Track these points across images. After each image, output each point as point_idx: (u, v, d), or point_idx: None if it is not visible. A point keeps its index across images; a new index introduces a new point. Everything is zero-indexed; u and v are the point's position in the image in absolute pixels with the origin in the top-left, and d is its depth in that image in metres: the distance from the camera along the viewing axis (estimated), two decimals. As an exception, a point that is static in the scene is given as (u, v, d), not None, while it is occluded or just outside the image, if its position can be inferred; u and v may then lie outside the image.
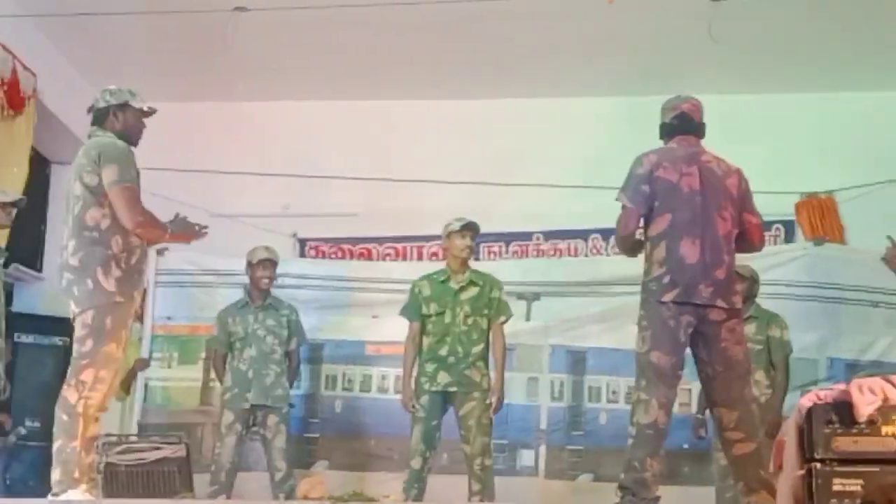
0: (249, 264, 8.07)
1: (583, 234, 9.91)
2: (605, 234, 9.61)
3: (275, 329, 8.04)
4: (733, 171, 5.78)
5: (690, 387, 7.29)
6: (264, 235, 9.09)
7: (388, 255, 10.20)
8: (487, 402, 7.30)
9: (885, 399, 4.14)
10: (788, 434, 4.28)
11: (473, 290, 7.42)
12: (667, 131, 5.88)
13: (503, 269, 8.02)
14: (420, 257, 10.12)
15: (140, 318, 8.17)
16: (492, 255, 9.67)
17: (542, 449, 8.54)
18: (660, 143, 5.88)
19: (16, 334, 8.66)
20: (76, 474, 5.53)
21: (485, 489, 7.12)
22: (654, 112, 6.04)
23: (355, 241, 10.25)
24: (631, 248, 5.83)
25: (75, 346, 5.68)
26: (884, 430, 4.09)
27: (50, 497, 5.50)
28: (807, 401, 4.23)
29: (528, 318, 8.45)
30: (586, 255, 9.86)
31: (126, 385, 8.46)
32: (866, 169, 9.32)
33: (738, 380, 5.60)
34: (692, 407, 7.72)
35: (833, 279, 8.35)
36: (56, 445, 5.60)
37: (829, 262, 8.54)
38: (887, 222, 8.75)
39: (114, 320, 5.63)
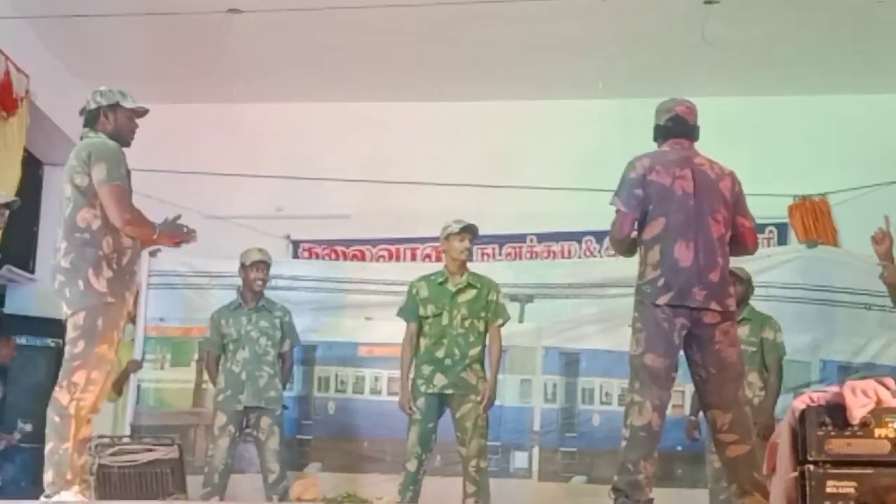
0: (242, 266, 8.06)
1: (576, 237, 9.93)
2: (599, 236, 9.64)
3: (268, 331, 8.03)
4: (727, 174, 5.78)
5: (684, 389, 7.29)
6: (257, 237, 9.09)
7: (382, 256, 10.21)
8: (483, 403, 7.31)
9: (878, 401, 4.14)
10: (782, 436, 4.28)
11: (471, 293, 7.41)
12: (661, 134, 5.87)
13: (496, 270, 8.01)
14: (414, 259, 10.12)
15: (133, 319, 8.15)
16: (485, 257, 9.67)
17: (536, 451, 8.54)
18: (653, 146, 5.87)
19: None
20: (69, 476, 5.51)
21: (480, 491, 7.12)
22: (648, 114, 6.03)
23: (348, 242, 10.26)
24: (626, 249, 5.84)
25: (67, 348, 5.66)
26: (877, 432, 4.09)
27: (42, 499, 5.48)
28: (800, 403, 4.23)
29: (521, 320, 8.44)
30: (580, 258, 9.88)
31: (118, 387, 8.44)
32: (859, 171, 9.33)
33: (731, 382, 5.60)
34: (685, 409, 7.72)
35: (826, 281, 8.35)
36: (48, 447, 5.58)
37: (823, 265, 8.54)
38: (879, 225, 8.80)
39: (105, 321, 5.61)
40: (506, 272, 8.37)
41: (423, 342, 7.39)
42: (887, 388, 4.22)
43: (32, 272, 9.75)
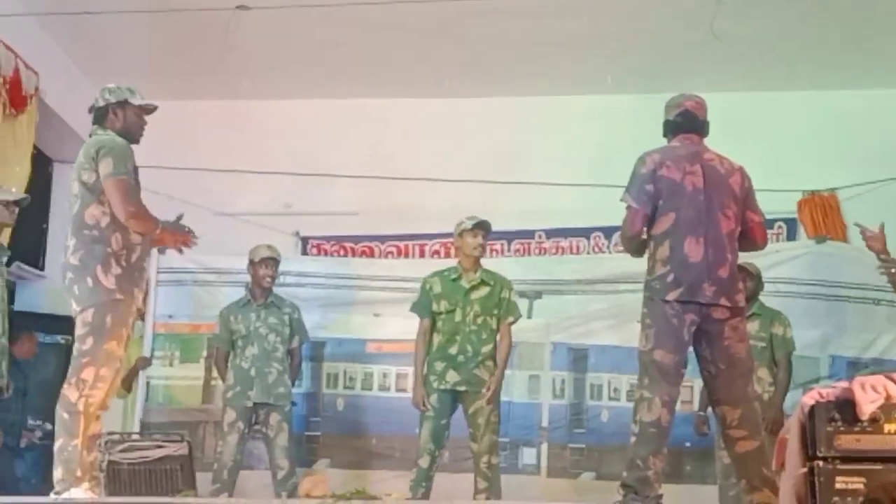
0: (252, 263, 8.06)
1: (585, 232, 9.92)
2: (608, 231, 9.65)
3: (277, 327, 8.03)
4: (736, 170, 5.77)
5: (692, 384, 7.29)
6: (266, 234, 9.10)
7: (390, 253, 10.21)
8: (500, 408, 7.34)
9: (888, 397, 4.14)
10: (791, 432, 4.28)
11: (484, 290, 7.41)
12: (670, 129, 5.86)
13: (505, 266, 8.00)
14: (422, 255, 10.12)
15: (142, 316, 8.16)
16: (494, 254, 9.64)
17: (544, 447, 8.54)
18: (662, 141, 5.86)
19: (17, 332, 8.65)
20: (78, 473, 5.52)
21: (491, 487, 7.13)
22: (657, 110, 6.03)
23: (357, 239, 10.27)
24: (636, 248, 5.81)
25: (76, 345, 5.68)
26: (886, 427, 4.09)
27: (52, 495, 5.49)
28: (809, 399, 4.23)
29: (529, 316, 8.42)
30: (588, 253, 9.88)
31: (128, 383, 8.46)
32: (869, 166, 9.31)
33: (740, 378, 5.60)
34: (694, 405, 7.71)
35: (835, 277, 8.33)
36: (57, 444, 5.60)
37: (832, 260, 8.52)
38: (890, 220, 8.75)
39: (114, 318, 5.62)
40: (514, 268, 8.36)
41: (436, 338, 7.39)
42: (897, 383, 4.22)
43: (42, 269, 9.76)
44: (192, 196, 8.91)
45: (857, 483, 4.00)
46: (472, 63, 9.58)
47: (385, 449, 8.60)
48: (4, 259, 7.36)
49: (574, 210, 9.68)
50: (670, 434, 5.59)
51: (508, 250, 9.79)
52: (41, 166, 9.49)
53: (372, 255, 10.20)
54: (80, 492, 5.48)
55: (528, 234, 9.98)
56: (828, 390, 4.25)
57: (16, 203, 7.26)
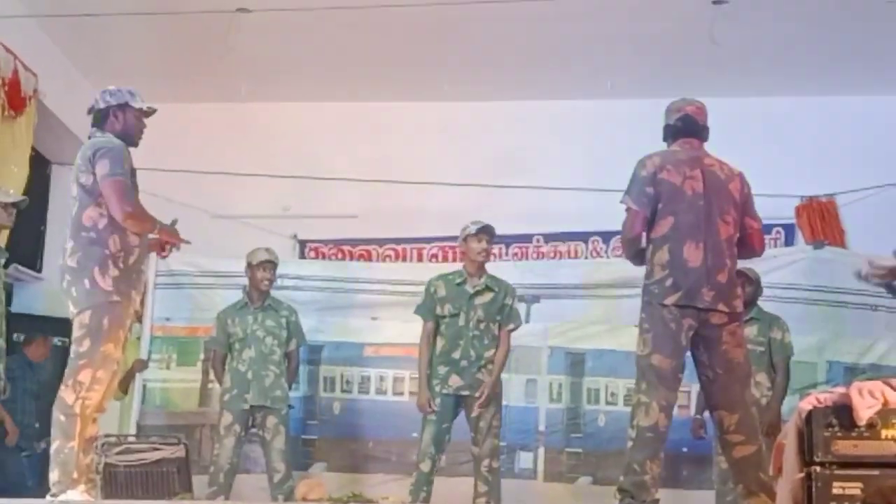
0: (249, 265, 8.06)
1: (583, 237, 9.94)
2: (605, 236, 9.66)
3: (274, 330, 8.02)
4: (735, 175, 5.77)
5: (689, 389, 7.28)
6: (264, 237, 9.10)
7: (388, 256, 10.22)
8: (502, 412, 7.34)
9: (885, 402, 4.13)
10: (788, 437, 4.27)
11: (488, 296, 7.40)
12: (670, 133, 5.85)
13: (503, 270, 7.99)
14: (420, 259, 10.14)
15: (139, 318, 8.16)
16: (492, 257, 9.65)
17: (541, 451, 8.54)
18: (661, 146, 5.86)
19: (15, 334, 8.65)
20: (74, 475, 5.51)
21: (491, 491, 7.12)
22: (655, 114, 6.03)
23: (355, 242, 10.28)
24: (636, 254, 5.80)
25: (73, 347, 5.67)
26: (884, 433, 4.08)
27: (49, 497, 5.48)
28: (806, 404, 4.22)
29: (527, 320, 8.40)
30: (586, 258, 9.90)
31: (124, 386, 8.44)
32: (867, 172, 9.34)
33: (738, 383, 5.59)
34: (691, 409, 7.70)
35: (833, 283, 8.34)
36: (54, 446, 5.59)
37: (829, 266, 8.52)
38: (888, 226, 8.82)
39: (111, 320, 5.62)
40: (512, 272, 8.34)
41: (440, 342, 7.37)
42: (894, 389, 4.21)
43: (39, 271, 9.77)
44: (191, 199, 8.96)
45: (855, 489, 3.98)
46: (471, 67, 9.60)
47: (382, 452, 8.60)
48: (2, 261, 7.36)
49: (572, 214, 9.69)
50: (667, 439, 5.59)
51: (506, 254, 9.79)
52: (39, 168, 9.51)
53: (370, 258, 10.22)
54: (76, 494, 5.46)
55: (527, 239, 9.99)
56: (825, 395, 4.24)
57: (14, 205, 7.26)
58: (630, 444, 5.51)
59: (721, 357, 5.56)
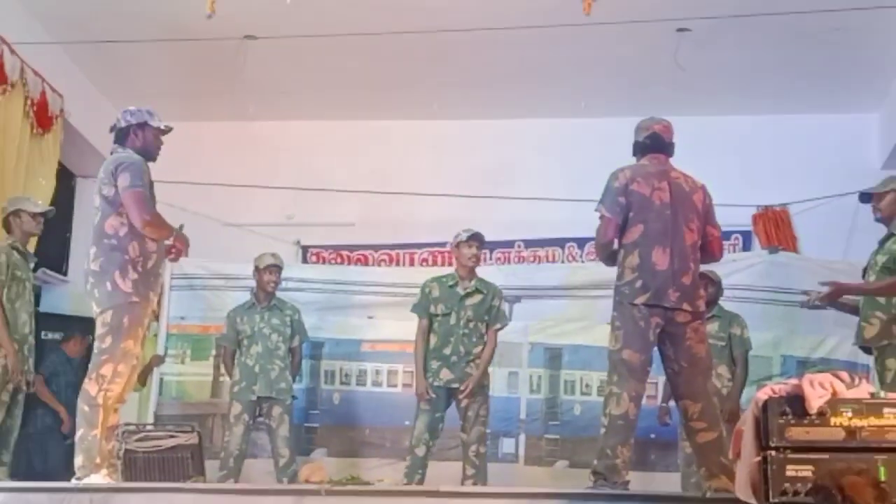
0: (257, 269, 8.06)
1: (560, 243, 9.93)
2: (580, 242, 9.67)
3: (279, 328, 8.01)
4: (699, 187, 5.78)
5: (657, 381, 7.27)
6: (270, 243, 9.10)
7: (383, 260, 10.21)
8: (489, 403, 7.35)
9: (834, 393, 4.14)
10: (746, 424, 4.28)
11: (477, 298, 7.41)
12: (639, 149, 5.86)
13: (487, 274, 7.97)
14: (412, 263, 10.14)
15: (157, 317, 8.15)
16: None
17: (522, 437, 8.54)
18: (631, 160, 5.86)
19: (42, 332, 8.62)
20: (97, 460, 5.52)
21: (478, 473, 7.13)
22: (625, 132, 6.02)
23: (353, 247, 10.27)
24: (608, 256, 5.80)
25: (96, 343, 5.68)
26: (833, 420, 4.09)
27: (73, 481, 5.47)
28: (763, 394, 4.23)
29: (509, 319, 8.42)
30: (563, 262, 9.89)
31: (143, 379, 8.42)
32: (817, 183, 9.37)
33: (701, 375, 5.60)
34: (658, 399, 7.70)
35: (787, 284, 8.34)
36: (78, 434, 5.60)
37: (784, 269, 8.54)
38: (836, 232, 8.85)
39: (131, 319, 5.62)
40: (496, 275, 8.32)
41: (433, 339, 7.38)
42: (842, 380, 4.22)
43: (65, 275, 9.73)
44: (203, 208, 8.95)
45: (806, 471, 3.99)
46: (460, 89, 9.59)
47: (377, 439, 8.59)
48: (31, 265, 7.35)
49: (550, 222, 9.70)
50: (637, 426, 5.59)
51: (490, 258, 9.77)
52: (65, 181, 9.48)
53: (366, 262, 10.20)
54: (98, 478, 5.47)
55: (509, 244, 9.98)
56: (780, 386, 4.25)
57: (42, 214, 7.27)
58: (603, 430, 5.51)
59: (685, 352, 5.57)
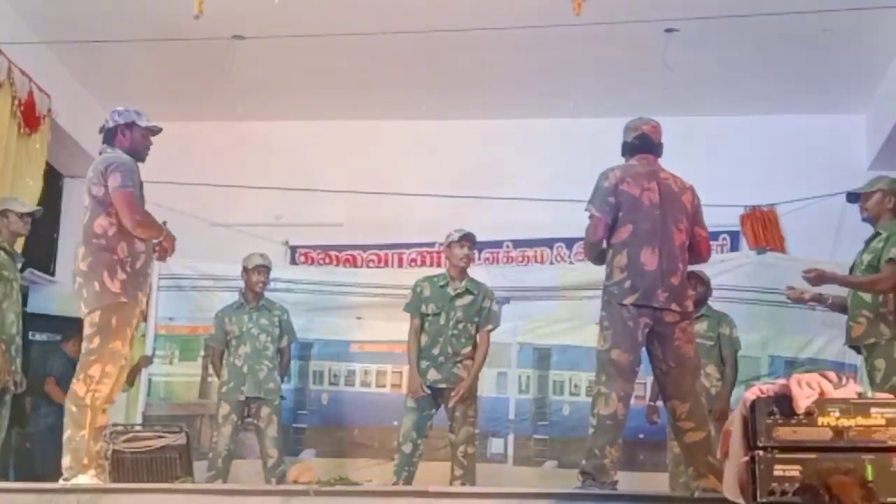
0: (245, 269, 8.05)
1: (548, 243, 9.93)
2: (569, 242, 9.67)
3: (267, 328, 8.01)
4: (687, 188, 5.80)
5: (645, 381, 7.28)
6: (258, 243, 9.07)
7: (372, 261, 10.20)
8: (477, 403, 7.34)
9: (822, 393, 4.16)
10: (734, 424, 4.29)
11: (468, 298, 7.40)
12: (628, 149, 5.87)
13: (476, 274, 7.99)
14: (401, 264, 10.13)
15: (145, 318, 8.13)
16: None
17: (511, 438, 8.55)
18: (620, 160, 5.87)
19: (30, 333, 8.61)
20: (85, 461, 5.51)
21: (467, 474, 7.12)
22: (614, 132, 6.04)
23: (341, 248, 10.26)
24: (597, 256, 5.81)
25: (84, 344, 5.67)
26: (820, 420, 4.11)
27: (61, 482, 5.46)
28: (751, 394, 4.24)
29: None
30: (551, 262, 9.90)
31: (131, 379, 8.39)
32: (804, 184, 9.39)
33: (689, 375, 5.61)
34: (646, 398, 7.71)
35: (774, 284, 8.33)
36: (66, 434, 5.58)
37: (771, 269, 8.56)
38: (823, 232, 8.88)
39: (119, 320, 5.61)
40: (484, 276, 8.32)
41: (423, 339, 7.37)
42: (829, 380, 4.24)
43: (52, 275, 9.71)
44: (192, 208, 8.93)
45: (794, 471, 4.01)
46: (448, 89, 9.59)
47: (366, 439, 8.60)
48: (18, 265, 7.33)
49: (539, 222, 9.70)
50: (625, 426, 5.60)
51: (479, 259, 9.76)
52: (53, 181, 9.45)
53: (355, 262, 10.19)
54: (86, 478, 5.46)
55: (497, 245, 9.97)
56: (767, 387, 4.27)
57: (29, 214, 7.24)
58: (591, 430, 5.52)
59: (673, 352, 5.58)
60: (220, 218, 9.79)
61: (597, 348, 5.64)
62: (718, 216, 7.81)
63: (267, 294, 8.18)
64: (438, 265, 8.17)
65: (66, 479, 5.46)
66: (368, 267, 10.09)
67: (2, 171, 8.03)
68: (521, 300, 8.71)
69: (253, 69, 9.05)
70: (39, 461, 8.27)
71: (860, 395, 4.23)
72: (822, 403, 4.13)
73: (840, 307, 6.44)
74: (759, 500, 4.04)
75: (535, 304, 8.83)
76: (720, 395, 7.31)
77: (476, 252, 7.91)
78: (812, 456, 4.03)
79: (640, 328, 5.51)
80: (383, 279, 9.04)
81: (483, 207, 9.53)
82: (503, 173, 9.96)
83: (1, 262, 6.96)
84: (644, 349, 5.64)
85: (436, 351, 7.29)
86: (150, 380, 8.77)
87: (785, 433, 4.11)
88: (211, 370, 8.33)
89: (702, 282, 7.43)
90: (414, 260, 10.07)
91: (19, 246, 7.53)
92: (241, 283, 8.13)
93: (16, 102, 8.19)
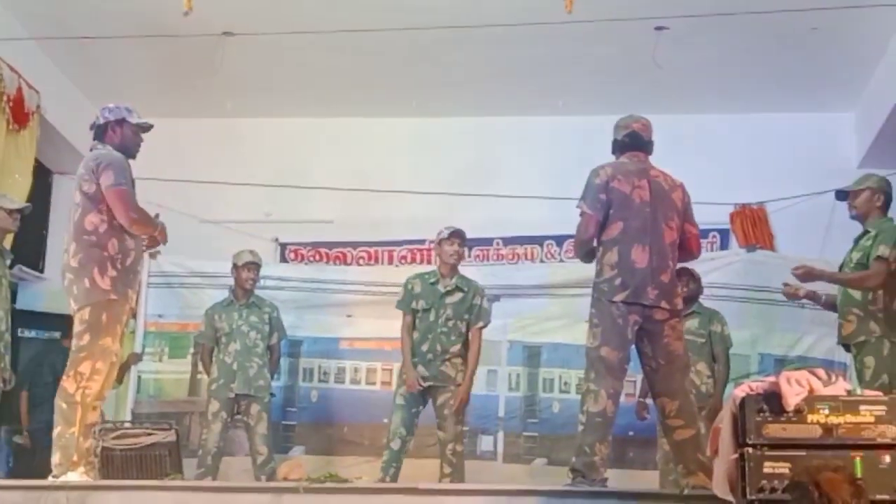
0: (235, 266, 8.04)
1: (538, 241, 9.94)
2: (559, 240, 9.68)
3: (257, 325, 8.00)
4: (677, 186, 5.81)
5: (635, 379, 7.30)
6: (248, 240, 9.06)
7: (362, 258, 10.19)
8: (467, 399, 7.33)
9: (811, 390, 4.17)
10: (724, 421, 4.30)
11: (458, 296, 7.41)
12: (618, 147, 5.88)
13: (466, 272, 7.99)
14: (391, 261, 10.12)
15: (134, 315, 8.11)
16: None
17: (501, 435, 8.56)
18: (609, 158, 5.88)
19: (19, 329, 8.58)
20: (74, 458, 5.50)
21: (455, 472, 7.13)
22: (604, 130, 6.05)
23: (331, 245, 10.25)
24: (587, 253, 5.81)
25: (74, 341, 5.67)
26: (809, 417, 4.12)
27: (50, 479, 5.45)
28: (740, 392, 4.26)
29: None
30: (541, 260, 9.90)
31: (120, 376, 8.37)
32: (793, 182, 9.40)
33: (678, 372, 5.63)
34: (637, 396, 7.72)
35: (764, 282, 8.39)
36: (56, 431, 5.58)
37: (761, 267, 8.60)
38: (812, 230, 8.89)
39: (109, 316, 5.61)
40: (475, 274, 8.32)
41: (413, 335, 7.38)
42: (819, 378, 4.25)
43: (42, 272, 9.69)
44: (181, 205, 8.90)
45: (783, 468, 4.02)
46: (438, 87, 9.59)
47: (355, 437, 8.60)
48: (7, 262, 7.31)
49: (529, 220, 9.71)
50: (615, 423, 5.61)
51: (469, 256, 9.75)
52: (42, 177, 9.43)
53: (345, 260, 10.19)
54: (75, 475, 5.45)
55: (487, 242, 9.97)
56: (757, 384, 4.27)
57: (18, 211, 7.23)
58: (581, 428, 5.52)
59: (663, 349, 5.59)
60: (210, 215, 9.77)
61: (586, 345, 5.65)
62: (708, 214, 7.83)
63: (257, 291, 8.17)
64: (429, 262, 8.18)
65: (55, 477, 5.45)
66: (358, 264, 10.09)
67: (-9, 168, 8.02)
68: (511, 298, 8.72)
69: (243, 66, 9.04)
70: (40, 460, 8.25)
71: (849, 393, 4.24)
72: (812, 401, 4.14)
73: (832, 305, 6.46)
74: (748, 497, 4.05)
75: (525, 302, 8.84)
76: (714, 392, 7.33)
77: (466, 249, 7.92)
78: (801, 453, 4.04)
79: (630, 325, 5.52)
80: (373, 276, 9.05)
81: (473, 205, 9.52)
82: (493, 171, 9.95)
83: (-11, 259, 6.95)
84: (633, 346, 5.64)
85: (425, 348, 7.29)
86: (139, 377, 8.77)
87: (774, 430, 4.11)
88: (200, 367, 8.32)
89: (693, 279, 7.45)
90: (404, 257, 10.07)
91: (8, 242, 7.50)
92: (231, 281, 8.12)
93: (4, 98, 8.16)
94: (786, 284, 6.73)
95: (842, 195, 6.41)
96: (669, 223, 5.66)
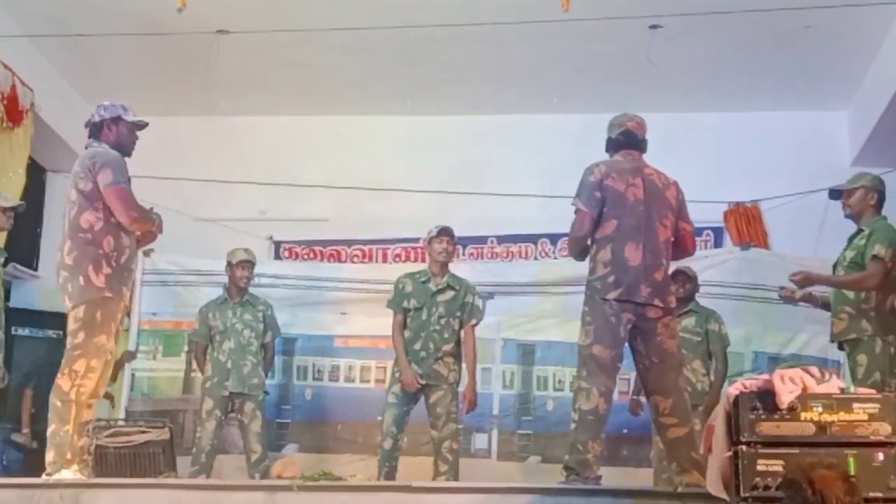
0: (229, 264, 8.03)
1: (533, 239, 9.95)
2: (553, 238, 9.69)
3: (251, 323, 7.99)
4: (671, 184, 5.81)
5: (629, 377, 7.30)
6: (243, 238, 9.04)
7: (356, 256, 10.18)
8: (458, 399, 7.31)
9: (804, 388, 4.18)
10: (718, 419, 4.31)
11: (449, 294, 7.41)
12: (612, 145, 5.87)
13: (460, 270, 7.99)
14: (385, 259, 10.12)
15: (128, 313, 8.10)
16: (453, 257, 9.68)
17: (495, 433, 8.56)
18: (604, 156, 5.88)
19: (13, 327, 8.57)
20: (68, 456, 5.49)
21: (450, 470, 7.13)
22: (598, 128, 6.04)
23: (326, 243, 10.24)
24: (581, 251, 5.81)
25: (69, 339, 5.66)
26: (803, 415, 4.13)
27: (44, 476, 5.44)
28: (734, 389, 4.27)
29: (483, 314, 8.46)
30: (536, 258, 9.90)
31: (114, 374, 8.35)
32: (787, 180, 9.41)
33: (671, 370, 5.62)
34: (630, 394, 7.71)
35: (758, 280, 8.41)
36: (50, 429, 5.57)
37: (755, 265, 8.61)
38: (806, 229, 8.90)
39: (104, 314, 5.60)
40: (469, 271, 8.35)
41: (405, 334, 7.37)
42: (812, 376, 4.26)
43: (36, 269, 9.67)
44: (175, 203, 8.85)
45: (777, 465, 4.03)
46: (433, 85, 9.59)
47: (349, 435, 8.60)
48: (1, 260, 7.30)
49: (523, 218, 9.71)
50: (608, 421, 5.61)
51: (463, 254, 9.77)
52: (36, 175, 9.42)
53: (339, 258, 10.18)
54: (69, 473, 5.44)
55: (482, 240, 9.98)
56: (751, 382, 4.28)
57: (12, 209, 7.22)
58: (573, 426, 5.52)
59: (656, 347, 5.59)
60: (205, 213, 9.76)
61: (578, 343, 5.65)
62: (702, 212, 7.80)
63: (251, 289, 8.17)
64: (423, 260, 8.16)
65: (49, 475, 5.44)
66: (353, 262, 10.08)
67: (-16, 166, 8.01)
68: (505, 295, 8.72)
69: (237, 64, 9.03)
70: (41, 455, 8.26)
71: (843, 391, 4.25)
72: (805, 399, 4.15)
73: (827, 305, 6.48)
74: (742, 494, 4.07)
75: (519, 300, 8.84)
76: (711, 390, 7.33)
77: (460, 247, 7.92)
78: (795, 451, 4.05)
79: (623, 323, 5.52)
80: (368, 274, 9.04)
81: (467, 203, 9.53)
82: (487, 169, 9.96)
83: (-17, 257, 6.94)
84: (627, 344, 5.64)
85: (417, 346, 7.29)
86: (133, 375, 8.77)
87: (768, 428, 4.12)
88: (194, 365, 8.32)
89: (689, 278, 7.46)
90: (398, 255, 10.07)
91: (2, 240, 7.52)
92: (225, 279, 8.11)
93: (-2, 96, 8.16)
94: (783, 288, 6.74)
95: (835, 194, 6.42)
96: (663, 221, 5.66)
